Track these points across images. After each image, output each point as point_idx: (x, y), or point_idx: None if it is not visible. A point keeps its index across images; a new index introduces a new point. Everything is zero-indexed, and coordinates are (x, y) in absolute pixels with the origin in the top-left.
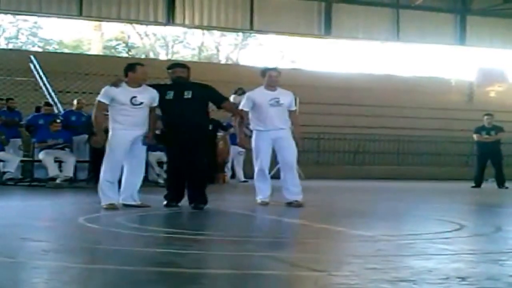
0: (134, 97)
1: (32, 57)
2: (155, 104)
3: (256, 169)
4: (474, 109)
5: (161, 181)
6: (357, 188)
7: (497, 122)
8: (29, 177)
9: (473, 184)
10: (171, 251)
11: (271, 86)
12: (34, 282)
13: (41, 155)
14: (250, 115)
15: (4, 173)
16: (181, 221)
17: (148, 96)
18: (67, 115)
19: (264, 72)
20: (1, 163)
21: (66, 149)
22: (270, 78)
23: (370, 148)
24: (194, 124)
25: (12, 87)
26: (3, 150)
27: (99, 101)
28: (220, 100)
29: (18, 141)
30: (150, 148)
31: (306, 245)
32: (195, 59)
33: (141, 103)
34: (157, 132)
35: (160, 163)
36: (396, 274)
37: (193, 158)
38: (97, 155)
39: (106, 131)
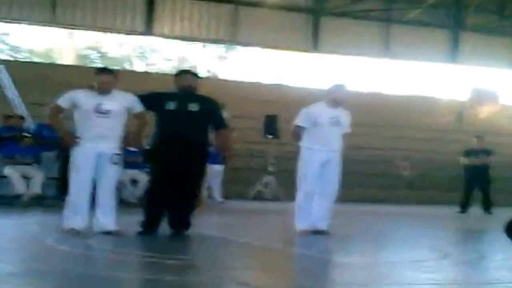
0: (100, 104)
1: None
2: (137, 111)
3: (301, 192)
4: (464, 130)
5: (133, 200)
6: (340, 212)
7: (488, 144)
8: None
9: (459, 209)
10: (143, 277)
11: (334, 103)
12: None
13: (6, 171)
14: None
15: None
16: (156, 244)
17: (119, 103)
18: (38, 128)
19: (332, 89)
20: None
21: (34, 164)
22: (336, 95)
23: (354, 169)
24: (195, 142)
25: None
26: None
27: (55, 104)
28: (220, 125)
29: None
30: (124, 166)
31: (281, 272)
32: (174, 71)
33: (108, 111)
34: (146, 147)
35: (133, 181)
36: None
37: (188, 181)
38: (66, 170)
39: None
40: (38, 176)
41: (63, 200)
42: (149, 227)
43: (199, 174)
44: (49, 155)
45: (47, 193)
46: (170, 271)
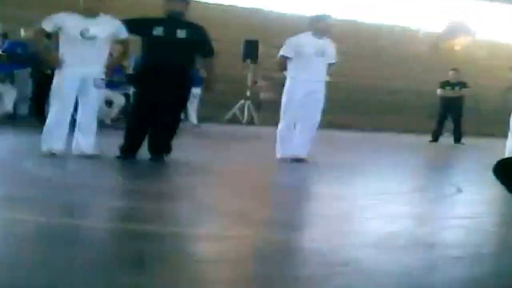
0: (86, 28)
1: None
2: (122, 37)
3: (283, 121)
4: (440, 61)
5: (107, 121)
6: (320, 139)
7: (463, 76)
8: None
9: (431, 138)
10: (123, 205)
11: (320, 34)
12: None
13: None
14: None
15: None
16: (136, 170)
17: (104, 29)
18: (12, 46)
19: (317, 19)
20: None
21: (7, 82)
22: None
23: (331, 96)
24: (182, 70)
25: None
26: None
27: (39, 27)
28: (208, 53)
29: None
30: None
31: (258, 201)
32: None
33: (94, 36)
34: (129, 72)
35: (109, 102)
36: (362, 238)
37: (172, 107)
38: (40, 90)
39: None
40: (10, 94)
41: (36, 120)
42: (129, 152)
43: (183, 101)
44: (22, 73)
45: (20, 112)
46: (148, 199)
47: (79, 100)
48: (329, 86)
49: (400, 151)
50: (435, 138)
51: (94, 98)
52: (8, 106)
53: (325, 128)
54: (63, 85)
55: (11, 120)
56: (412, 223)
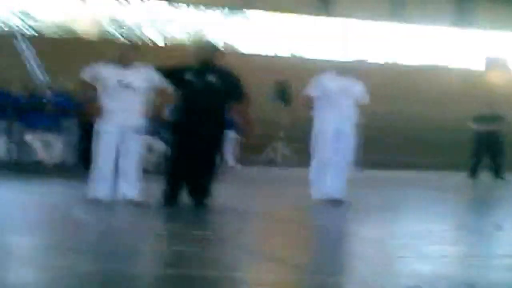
0: (122, 77)
1: (19, 37)
2: (158, 84)
3: (315, 162)
4: (476, 97)
5: (149, 167)
6: (355, 179)
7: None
8: (15, 160)
9: (469, 174)
10: (169, 249)
11: (343, 72)
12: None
13: (27, 137)
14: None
15: None
16: (178, 215)
17: (140, 77)
18: (57, 96)
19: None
20: None
21: (54, 132)
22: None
23: (366, 135)
24: (215, 113)
25: None
26: None
27: (81, 77)
28: (240, 97)
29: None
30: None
31: (300, 244)
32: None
33: (131, 85)
34: (169, 119)
35: (149, 149)
36: (404, 280)
37: (209, 151)
38: (86, 138)
39: None
40: (58, 144)
41: (84, 168)
42: (170, 198)
43: (219, 144)
44: (68, 123)
45: (67, 161)
46: (193, 243)
47: (120, 148)
48: (363, 125)
49: (438, 189)
50: (473, 174)
51: (135, 146)
52: (57, 155)
53: (360, 167)
54: (104, 134)
55: (60, 168)
56: (454, 263)
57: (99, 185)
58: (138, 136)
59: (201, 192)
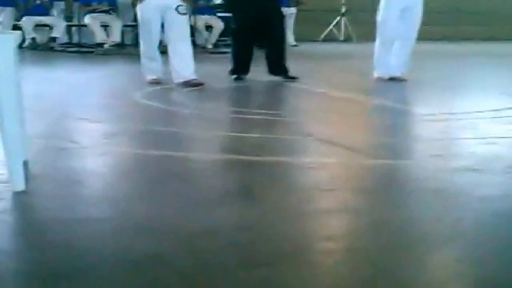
0: None
1: None
2: None
3: (379, 39)
4: None
5: (209, 46)
6: (418, 53)
7: None
8: (76, 43)
9: None
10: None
11: None
12: (101, 171)
13: (87, 20)
14: None
15: (52, 38)
16: (237, 98)
17: None
18: None
19: None
20: (48, 28)
21: (112, 12)
22: None
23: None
24: None
25: None
26: (48, 14)
27: None
28: None
29: (61, 4)
30: (197, 12)
31: (360, 125)
32: None
33: None
34: None
35: (208, 27)
36: (460, 161)
37: (272, 21)
38: None
39: None
40: (116, 24)
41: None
42: (241, 71)
43: (279, 14)
44: (124, 2)
45: (126, 41)
46: (249, 128)
47: (166, 30)
48: None
49: (509, 63)
50: None
51: (181, 25)
52: (116, 35)
53: (426, 40)
54: (146, 17)
55: (119, 48)
56: None
57: (150, 67)
58: (181, 15)
59: (277, 67)
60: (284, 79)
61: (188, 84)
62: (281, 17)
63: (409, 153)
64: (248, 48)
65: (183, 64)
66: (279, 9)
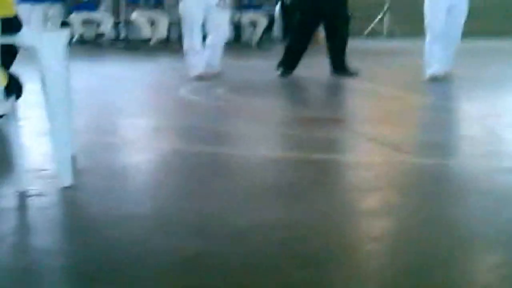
0: None
1: None
2: None
3: (428, 37)
4: None
5: (253, 43)
6: (463, 50)
7: None
8: (123, 38)
9: None
10: (279, 131)
11: None
12: (147, 167)
13: (133, 16)
14: None
15: (100, 34)
16: (287, 96)
17: None
18: None
19: None
20: (95, 24)
21: (158, 8)
22: None
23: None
24: None
25: None
26: (96, 10)
27: None
28: None
29: (109, 0)
30: (242, 7)
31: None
32: None
33: None
34: None
35: (252, 24)
36: (508, 163)
37: (335, 26)
38: None
39: None
40: (163, 20)
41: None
42: (290, 67)
43: (346, 19)
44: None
45: (172, 37)
46: (300, 126)
47: (208, 25)
48: None
49: None
50: None
51: (221, 20)
52: (162, 31)
53: (474, 37)
54: (189, 13)
55: (166, 44)
56: None
57: (194, 62)
58: (222, 9)
59: (338, 64)
60: (346, 77)
61: (202, 76)
62: (347, 18)
63: (458, 153)
64: (306, 43)
65: (213, 54)
66: (346, 10)
